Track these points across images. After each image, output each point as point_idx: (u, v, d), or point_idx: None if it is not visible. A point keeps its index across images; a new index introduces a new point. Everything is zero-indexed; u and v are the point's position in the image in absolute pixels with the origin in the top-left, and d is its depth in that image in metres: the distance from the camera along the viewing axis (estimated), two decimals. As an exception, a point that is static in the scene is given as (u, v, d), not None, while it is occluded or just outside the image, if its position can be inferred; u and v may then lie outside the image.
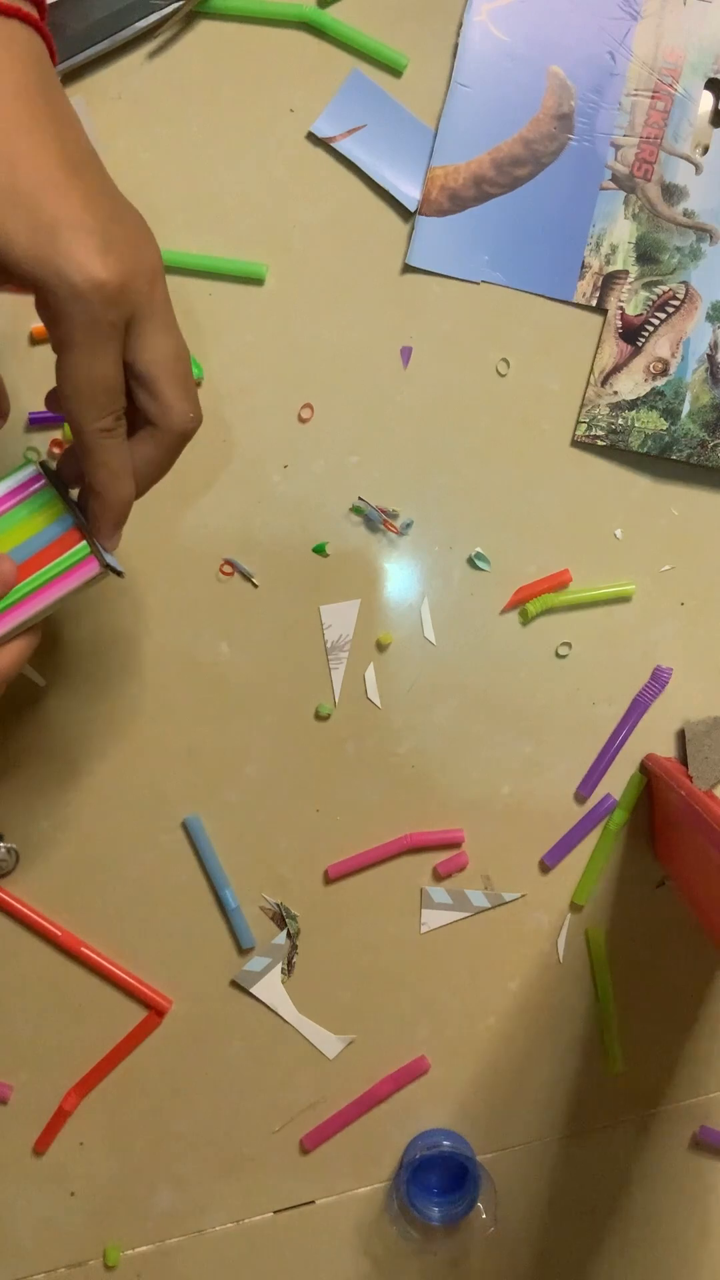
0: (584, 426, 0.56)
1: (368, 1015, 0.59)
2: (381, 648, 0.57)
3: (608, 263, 0.55)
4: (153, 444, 0.40)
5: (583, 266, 0.55)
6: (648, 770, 0.58)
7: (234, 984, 0.58)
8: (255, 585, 0.57)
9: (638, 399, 0.56)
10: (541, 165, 0.55)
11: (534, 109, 0.54)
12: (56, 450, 0.55)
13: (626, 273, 0.55)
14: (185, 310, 0.55)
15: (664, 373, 0.56)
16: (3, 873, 0.57)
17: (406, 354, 0.56)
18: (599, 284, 0.55)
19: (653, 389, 0.56)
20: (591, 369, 0.56)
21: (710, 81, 0.55)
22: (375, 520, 0.56)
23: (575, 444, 0.57)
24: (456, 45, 0.54)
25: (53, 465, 0.43)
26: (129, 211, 0.39)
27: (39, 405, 0.55)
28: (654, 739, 0.58)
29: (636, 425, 0.56)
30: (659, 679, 0.58)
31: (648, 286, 0.55)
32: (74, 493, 0.43)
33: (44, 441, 0.55)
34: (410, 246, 0.55)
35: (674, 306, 0.55)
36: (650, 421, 0.56)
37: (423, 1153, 0.58)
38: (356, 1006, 0.59)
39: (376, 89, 0.54)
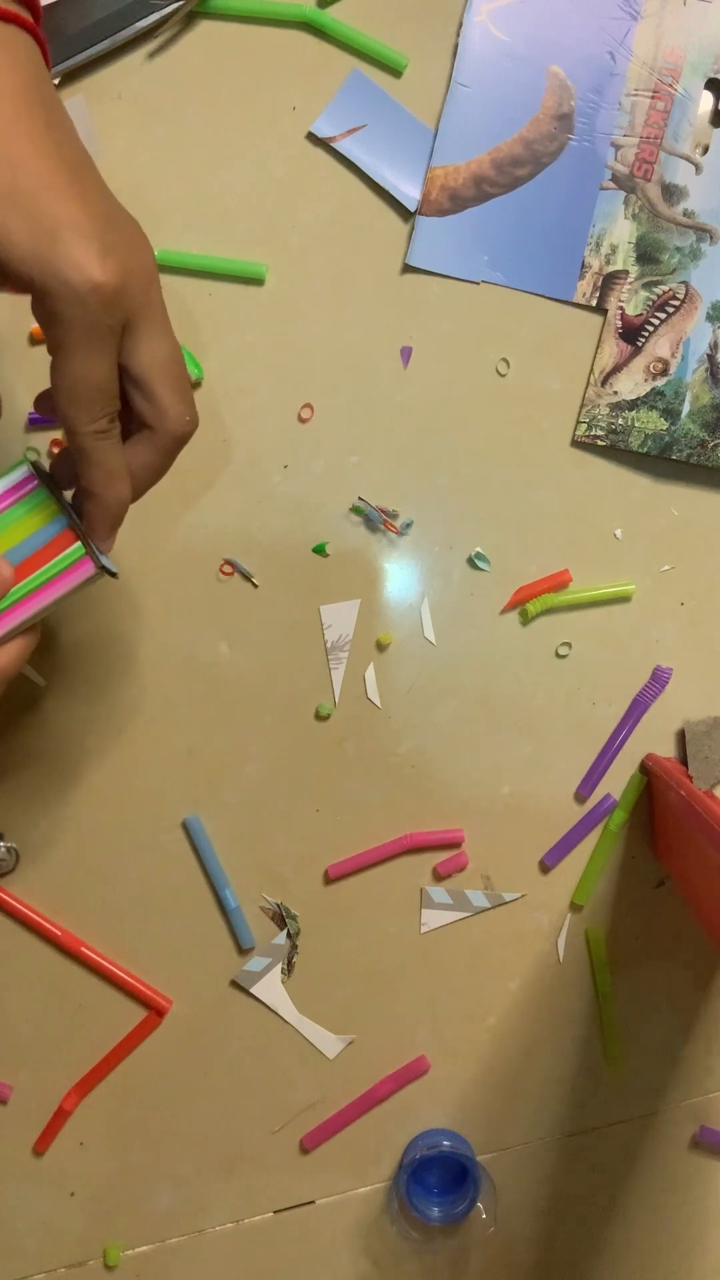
0: (584, 426, 0.56)
1: (368, 1015, 0.59)
2: (381, 648, 0.57)
3: (608, 263, 0.55)
4: (149, 447, 0.40)
5: (583, 266, 0.55)
6: (648, 770, 0.58)
7: (234, 984, 0.58)
8: (255, 585, 0.57)
9: (638, 399, 0.56)
10: (541, 165, 0.55)
11: (534, 109, 0.54)
12: (55, 450, 0.55)
13: (626, 273, 0.55)
14: (185, 310, 0.55)
15: (664, 373, 0.56)
16: (3, 873, 0.57)
17: (406, 354, 0.56)
18: (599, 284, 0.55)
19: (653, 389, 0.56)
20: (591, 369, 0.56)
21: (710, 81, 0.55)
22: (375, 520, 0.56)
23: (575, 444, 0.57)
24: (456, 45, 0.54)
25: (46, 465, 0.43)
26: (125, 216, 0.39)
27: (39, 405, 0.55)
28: (654, 739, 0.58)
29: (636, 425, 0.56)
30: (659, 679, 0.58)
31: (648, 286, 0.55)
32: (68, 494, 0.43)
33: (44, 442, 0.55)
34: (410, 246, 0.55)
35: (674, 306, 0.55)
36: (650, 421, 0.56)
37: (423, 1153, 0.58)
38: (356, 1006, 0.59)
39: (376, 89, 0.54)
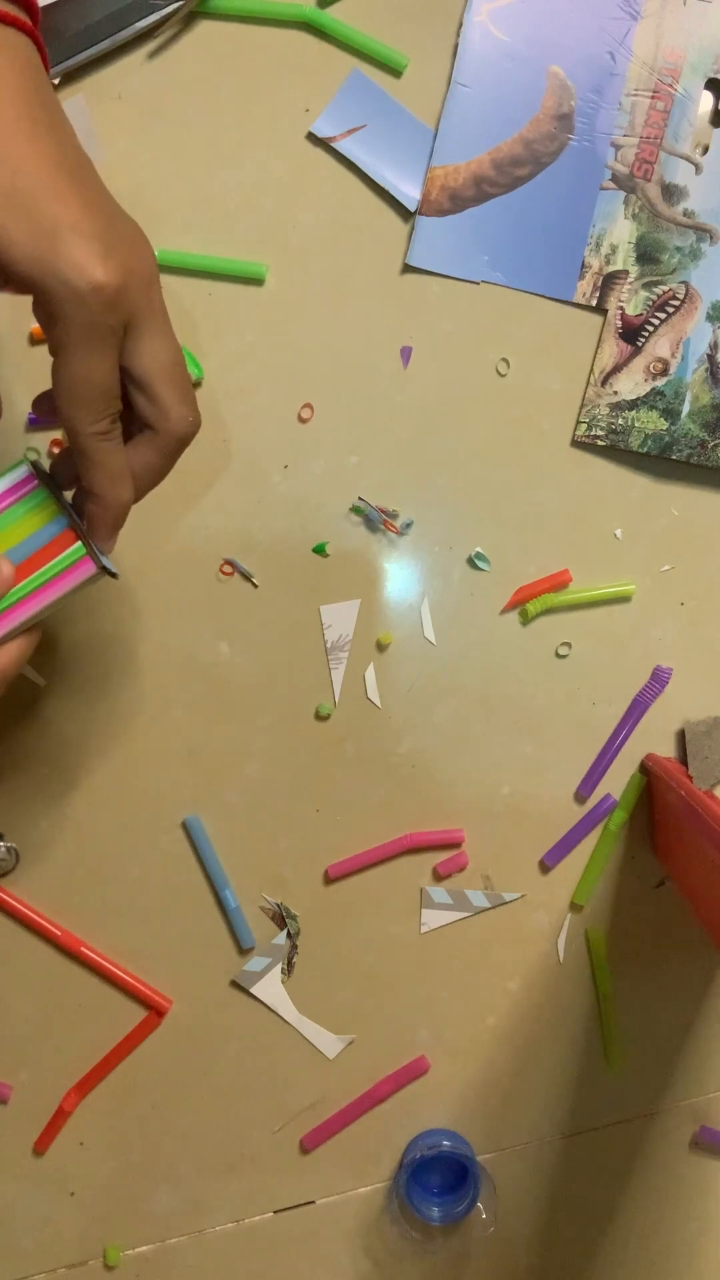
0: (584, 426, 0.56)
1: (368, 1015, 0.59)
2: (381, 648, 0.57)
3: (608, 263, 0.55)
4: (152, 448, 0.40)
5: (583, 266, 0.55)
6: (648, 770, 0.58)
7: (234, 984, 0.58)
8: (255, 585, 0.57)
9: (638, 399, 0.56)
10: (541, 165, 0.55)
11: (534, 109, 0.54)
12: (55, 450, 0.55)
13: (626, 273, 0.55)
14: (185, 310, 0.55)
15: (664, 373, 0.56)
16: (3, 873, 0.57)
17: (406, 354, 0.56)
18: (599, 284, 0.55)
19: (653, 389, 0.56)
20: (591, 369, 0.56)
21: (710, 81, 0.55)
22: (375, 520, 0.56)
23: (575, 444, 0.57)
24: (456, 45, 0.54)
25: (46, 465, 0.43)
26: (125, 217, 0.39)
27: (39, 405, 0.55)
28: (654, 739, 0.58)
29: (636, 425, 0.56)
30: (659, 679, 0.58)
31: (648, 286, 0.55)
32: (69, 495, 0.43)
33: (44, 442, 0.55)
34: (410, 246, 0.55)
35: (674, 306, 0.55)
36: (650, 421, 0.56)
37: (423, 1153, 0.58)
38: (356, 1006, 0.59)
39: (376, 89, 0.54)
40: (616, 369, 0.56)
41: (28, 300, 0.38)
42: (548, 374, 0.56)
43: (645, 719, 0.58)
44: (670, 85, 0.54)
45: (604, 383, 0.56)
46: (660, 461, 0.57)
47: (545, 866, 0.59)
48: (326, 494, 0.56)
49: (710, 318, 0.56)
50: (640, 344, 0.56)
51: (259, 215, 0.55)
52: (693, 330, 0.56)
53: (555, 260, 0.55)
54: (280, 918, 0.58)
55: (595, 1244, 0.62)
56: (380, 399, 0.56)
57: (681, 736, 0.59)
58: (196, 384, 0.55)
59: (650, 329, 0.56)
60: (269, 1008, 0.59)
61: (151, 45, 0.54)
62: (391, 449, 0.56)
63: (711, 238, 0.55)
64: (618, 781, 0.59)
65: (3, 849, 0.57)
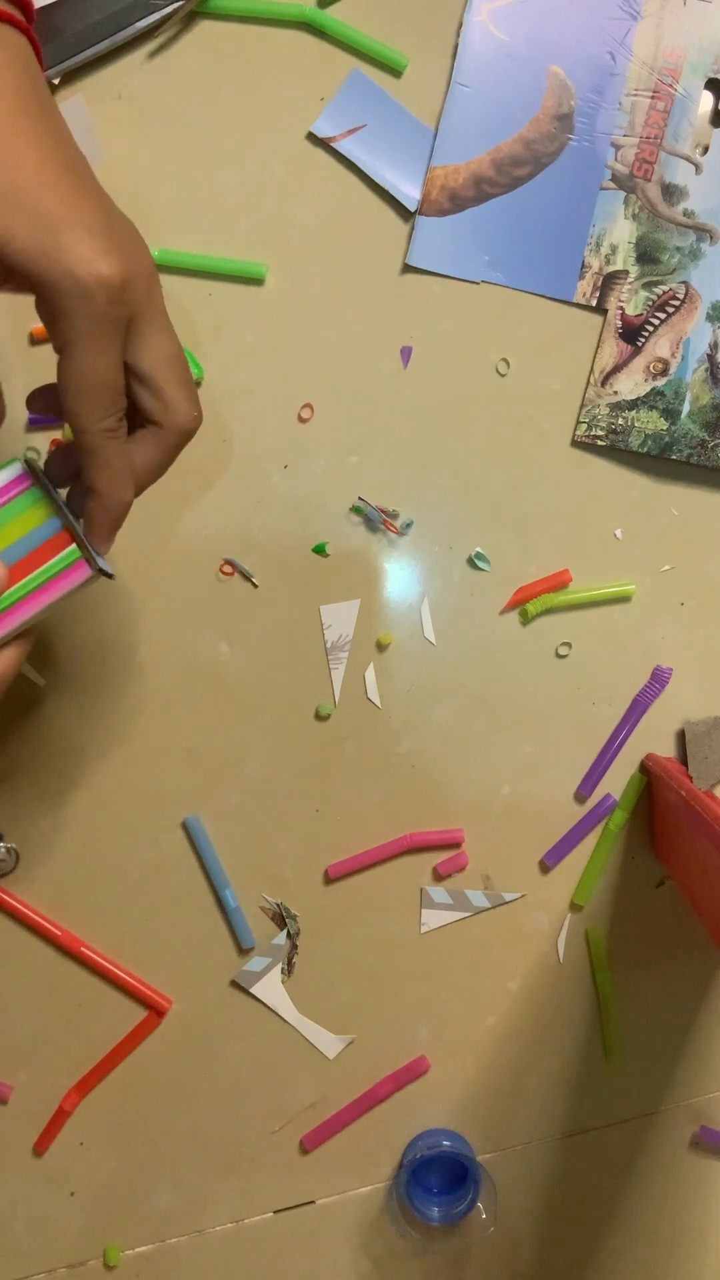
0: (584, 426, 0.56)
1: (368, 1015, 0.59)
2: (381, 648, 0.57)
3: (608, 263, 0.55)
4: (155, 444, 0.40)
5: (583, 266, 0.55)
6: (648, 770, 0.58)
7: (234, 984, 0.58)
8: (255, 585, 0.57)
9: (638, 399, 0.56)
10: (541, 165, 0.55)
11: (534, 109, 0.54)
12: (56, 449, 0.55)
13: (626, 273, 0.55)
14: (185, 310, 0.55)
15: (664, 373, 0.56)
16: (3, 873, 0.57)
17: (406, 354, 0.56)
18: (599, 284, 0.55)
19: (653, 389, 0.56)
20: (591, 369, 0.56)
21: (710, 81, 0.55)
22: (375, 520, 0.56)
23: (575, 444, 0.57)
24: (456, 45, 0.54)
25: (40, 464, 0.43)
26: (121, 214, 0.39)
27: (39, 405, 0.55)
28: (654, 739, 0.58)
29: (636, 425, 0.56)
30: (659, 679, 0.58)
31: (648, 286, 0.55)
32: (62, 493, 0.43)
33: (44, 441, 0.55)
34: (410, 246, 0.55)
35: (674, 306, 0.55)
36: (650, 421, 0.56)
37: (423, 1153, 0.58)
38: (356, 1006, 0.59)
39: (376, 89, 0.54)
40: (616, 369, 0.56)
41: (28, 300, 0.38)
42: (548, 374, 0.56)
43: (645, 719, 0.58)
44: (670, 85, 0.54)
45: (604, 383, 0.56)
46: (660, 461, 0.57)
47: (545, 866, 0.59)
48: (326, 494, 0.56)
49: (710, 318, 0.56)
50: (640, 344, 0.56)
51: (259, 215, 0.55)
52: (693, 330, 0.56)
53: (555, 260, 0.55)
54: (280, 918, 0.58)
55: (595, 1244, 0.62)
56: (380, 399, 0.56)
57: (681, 736, 0.59)
58: (196, 383, 0.55)
59: (650, 329, 0.56)
60: (269, 1008, 0.59)
61: (151, 45, 0.54)
62: (391, 449, 0.56)
63: (711, 238, 0.55)
64: (618, 781, 0.59)
65: (3, 849, 0.57)
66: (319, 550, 0.56)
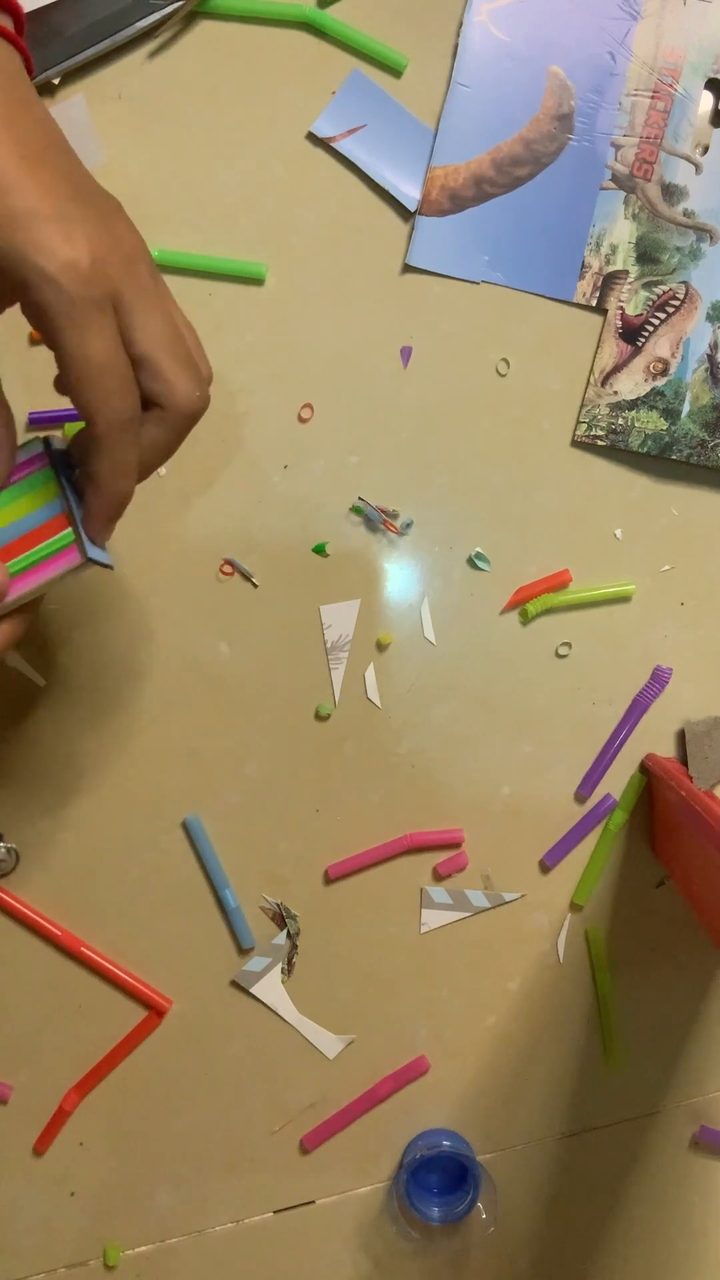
0: (584, 426, 0.56)
1: (368, 1015, 0.59)
2: (381, 648, 0.57)
3: (608, 263, 0.55)
4: (160, 426, 0.39)
5: (583, 266, 0.55)
6: (648, 770, 0.58)
7: (234, 984, 0.58)
8: (255, 585, 0.57)
9: (638, 399, 0.56)
10: (541, 165, 0.55)
11: (534, 109, 0.54)
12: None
13: (626, 273, 0.55)
14: (185, 310, 0.55)
15: (664, 373, 0.56)
16: (3, 873, 0.57)
17: (406, 354, 0.56)
18: (599, 284, 0.55)
19: (653, 389, 0.56)
20: (591, 369, 0.56)
21: (710, 81, 0.55)
22: (375, 520, 0.56)
23: (575, 444, 0.57)
24: (456, 45, 0.54)
25: (62, 446, 0.42)
26: (97, 194, 0.38)
27: (39, 405, 0.55)
28: (654, 739, 0.58)
29: (636, 425, 0.56)
30: (659, 679, 0.58)
31: (648, 286, 0.55)
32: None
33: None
34: (410, 246, 0.55)
35: (674, 306, 0.55)
36: (650, 421, 0.56)
37: (423, 1153, 0.58)
38: (356, 1006, 0.59)
39: (376, 89, 0.54)
40: (616, 369, 0.56)
41: None
42: (548, 374, 0.56)
43: (645, 719, 0.58)
44: (670, 85, 0.54)
45: (604, 383, 0.56)
46: (660, 461, 0.57)
47: (545, 866, 0.59)
48: (326, 494, 0.56)
49: (710, 318, 0.56)
50: (640, 344, 0.56)
51: (259, 215, 0.55)
52: (693, 330, 0.56)
53: (555, 260, 0.55)
54: (280, 918, 0.58)
55: (595, 1244, 0.62)
56: (380, 399, 0.56)
57: (681, 736, 0.59)
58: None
59: (650, 329, 0.56)
60: (269, 1008, 0.59)
61: (151, 45, 0.54)
62: (391, 449, 0.56)
63: (711, 238, 0.55)
64: (618, 781, 0.59)
65: (3, 849, 0.57)
66: (319, 550, 0.56)
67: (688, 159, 0.55)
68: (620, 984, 0.60)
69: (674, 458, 0.56)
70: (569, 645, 0.58)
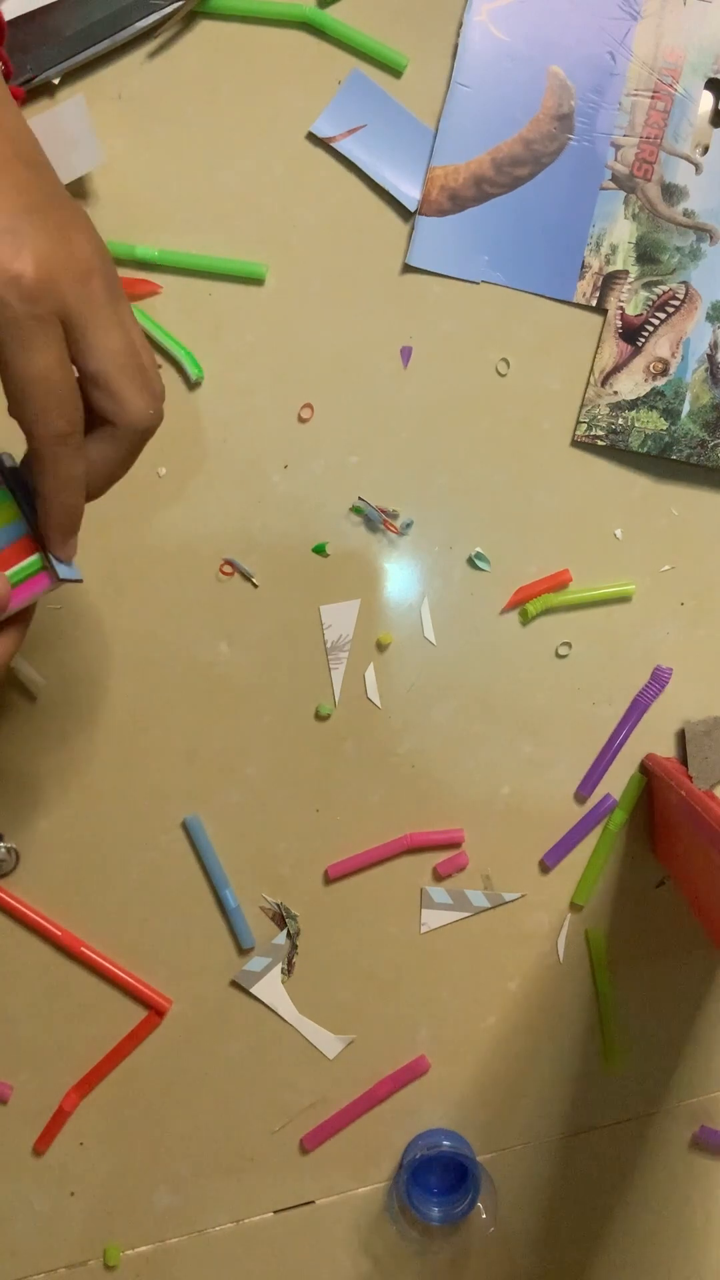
0: (584, 426, 0.56)
1: (368, 1015, 0.59)
2: (381, 648, 0.57)
3: (608, 263, 0.55)
4: (111, 443, 0.39)
5: (583, 266, 0.55)
6: (648, 770, 0.58)
7: (234, 984, 0.58)
8: (255, 585, 0.57)
9: (638, 399, 0.56)
10: (541, 165, 0.55)
11: (534, 109, 0.54)
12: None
13: (626, 273, 0.55)
14: (185, 310, 0.55)
15: (664, 373, 0.56)
16: (3, 873, 0.57)
17: (406, 354, 0.56)
18: (599, 284, 0.55)
19: (653, 389, 0.56)
20: (591, 369, 0.56)
21: (710, 81, 0.55)
22: (375, 520, 0.56)
23: (575, 444, 0.57)
24: (456, 45, 0.54)
25: (15, 464, 0.41)
26: (57, 207, 0.37)
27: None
28: (654, 739, 0.58)
29: (636, 425, 0.56)
30: (659, 679, 0.58)
31: (648, 286, 0.55)
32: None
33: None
34: (410, 246, 0.55)
35: (674, 306, 0.55)
36: (650, 421, 0.56)
37: (423, 1153, 0.58)
38: (356, 1006, 0.59)
39: (376, 89, 0.54)
40: (616, 369, 0.56)
41: None
42: (548, 374, 0.56)
43: (645, 719, 0.58)
44: (670, 85, 0.54)
45: (604, 383, 0.56)
46: (660, 461, 0.57)
47: (545, 866, 0.59)
48: (326, 494, 0.56)
49: (710, 318, 0.56)
50: (640, 344, 0.56)
51: (259, 215, 0.55)
52: (693, 330, 0.56)
53: (555, 260, 0.55)
54: (280, 918, 0.58)
55: (595, 1244, 0.62)
56: (380, 399, 0.56)
57: (681, 736, 0.59)
58: (196, 383, 0.55)
59: (650, 329, 0.56)
60: (269, 1008, 0.59)
61: (151, 45, 0.54)
62: (391, 449, 0.56)
63: (711, 238, 0.55)
64: (618, 781, 0.59)
65: (3, 849, 0.57)
66: (319, 550, 0.56)
67: (688, 159, 0.55)
68: (620, 984, 0.60)
69: (674, 458, 0.56)
70: (569, 645, 0.58)
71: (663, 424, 0.56)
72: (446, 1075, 0.60)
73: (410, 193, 0.55)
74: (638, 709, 0.58)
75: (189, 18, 0.54)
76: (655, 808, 0.58)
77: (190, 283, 0.55)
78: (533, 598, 0.57)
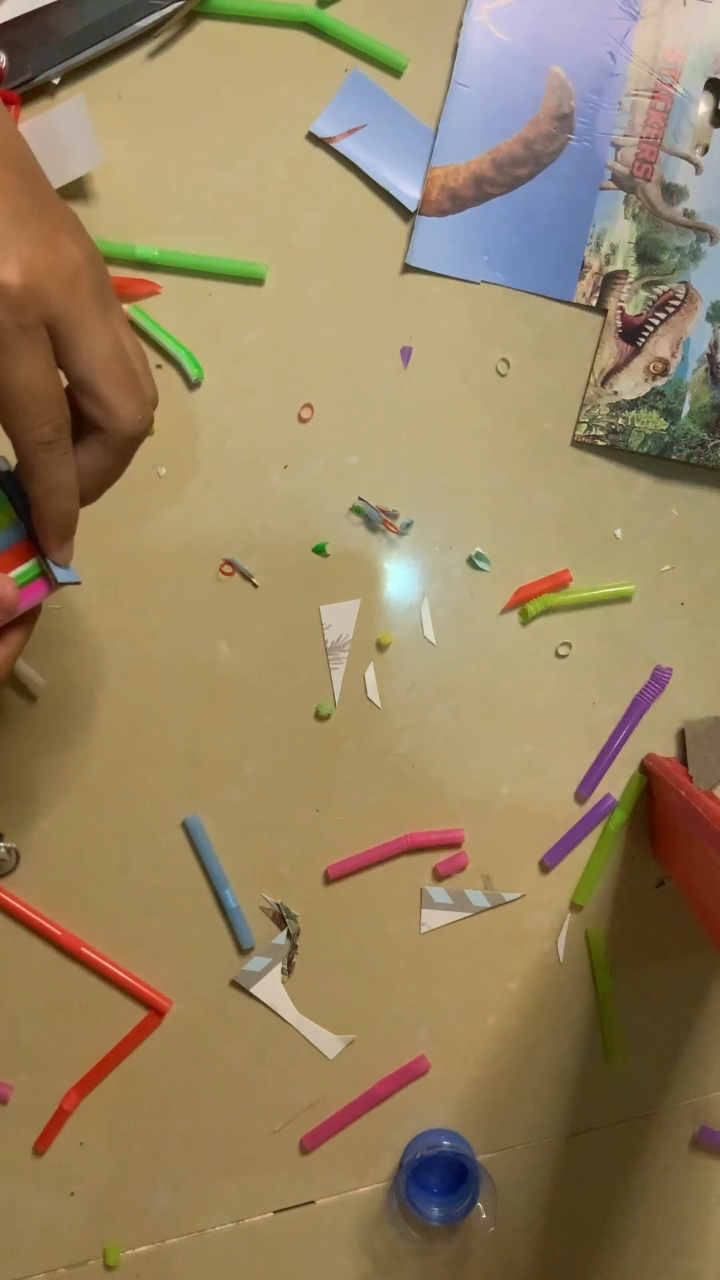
0: (584, 426, 0.56)
1: (368, 1015, 0.59)
2: (381, 648, 0.57)
3: (608, 263, 0.55)
4: (101, 449, 0.39)
5: (583, 266, 0.55)
6: (648, 770, 0.58)
7: (234, 984, 0.58)
8: (255, 585, 0.57)
9: (638, 399, 0.56)
10: (541, 165, 0.55)
11: (534, 109, 0.54)
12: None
13: (626, 273, 0.55)
14: (185, 310, 0.55)
15: (664, 373, 0.56)
16: (3, 873, 0.57)
17: (406, 354, 0.56)
18: (599, 284, 0.55)
19: (653, 389, 0.56)
20: (591, 369, 0.56)
21: (710, 81, 0.55)
22: (375, 520, 0.56)
23: (575, 444, 0.57)
24: (456, 45, 0.54)
25: (9, 468, 0.41)
26: (44, 211, 0.37)
27: None
28: (654, 739, 0.58)
29: (636, 425, 0.56)
30: (659, 679, 0.58)
31: (648, 286, 0.55)
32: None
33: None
34: (410, 246, 0.55)
35: (674, 306, 0.55)
36: (650, 421, 0.56)
37: (423, 1153, 0.58)
38: (356, 1006, 0.59)
39: (376, 89, 0.54)
40: (616, 369, 0.56)
41: None
42: (548, 374, 0.56)
43: (645, 719, 0.58)
44: (670, 85, 0.54)
45: (604, 383, 0.56)
46: (660, 461, 0.57)
47: (545, 866, 0.59)
48: (326, 494, 0.56)
49: (710, 318, 0.56)
50: (640, 344, 0.56)
51: (259, 215, 0.55)
52: (693, 330, 0.56)
53: (555, 260, 0.55)
54: (280, 918, 0.58)
55: (595, 1244, 0.62)
56: (380, 399, 0.56)
57: (681, 736, 0.59)
58: (196, 384, 0.55)
59: (650, 329, 0.56)
60: (269, 1008, 0.59)
61: (151, 45, 0.54)
62: (391, 449, 0.56)
63: (711, 238, 0.55)
64: (618, 781, 0.59)
65: (3, 849, 0.57)
66: (319, 550, 0.56)
67: (688, 159, 0.55)
68: (620, 984, 0.60)
69: (674, 458, 0.56)
70: (569, 645, 0.58)
71: (663, 424, 0.56)
72: (446, 1075, 0.60)
73: (410, 193, 0.55)
74: (638, 709, 0.58)
75: (189, 18, 0.54)
76: (655, 808, 0.58)
77: (190, 283, 0.55)
78: (533, 598, 0.57)
